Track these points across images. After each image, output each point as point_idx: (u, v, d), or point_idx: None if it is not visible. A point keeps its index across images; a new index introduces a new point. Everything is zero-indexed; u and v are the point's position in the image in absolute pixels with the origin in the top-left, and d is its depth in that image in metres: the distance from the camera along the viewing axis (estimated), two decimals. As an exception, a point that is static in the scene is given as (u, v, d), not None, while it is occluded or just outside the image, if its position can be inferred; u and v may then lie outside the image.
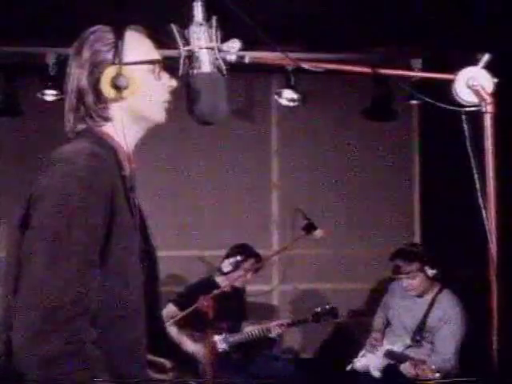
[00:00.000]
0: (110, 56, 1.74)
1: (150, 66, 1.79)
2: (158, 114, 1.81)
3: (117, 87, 1.72)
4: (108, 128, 1.77)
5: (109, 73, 1.72)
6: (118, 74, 1.72)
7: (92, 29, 1.79)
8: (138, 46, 1.79)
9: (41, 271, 1.52)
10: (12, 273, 1.62)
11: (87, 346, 1.53)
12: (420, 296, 4.40)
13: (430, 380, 3.91)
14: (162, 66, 1.82)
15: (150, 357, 1.84)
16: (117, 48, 1.74)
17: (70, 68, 1.77)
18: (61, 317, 1.50)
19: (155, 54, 1.82)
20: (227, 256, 4.90)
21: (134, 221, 1.74)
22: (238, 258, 4.84)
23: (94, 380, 1.53)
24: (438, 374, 3.92)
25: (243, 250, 4.89)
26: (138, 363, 1.73)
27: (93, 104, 1.75)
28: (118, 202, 1.66)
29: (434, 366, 3.98)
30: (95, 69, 1.74)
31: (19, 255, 1.59)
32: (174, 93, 1.83)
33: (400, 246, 4.55)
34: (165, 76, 1.81)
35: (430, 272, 4.28)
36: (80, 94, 1.75)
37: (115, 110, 1.76)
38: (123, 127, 1.75)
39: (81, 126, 1.77)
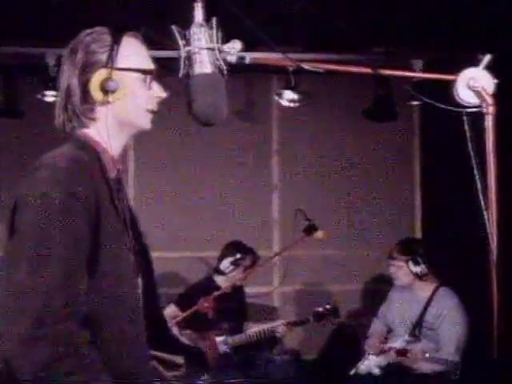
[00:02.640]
0: (103, 58, 1.73)
1: (142, 75, 1.77)
2: (143, 120, 1.80)
3: (105, 90, 1.71)
4: (93, 131, 1.76)
5: (99, 75, 1.71)
6: (108, 78, 1.71)
7: (89, 30, 1.77)
8: (133, 52, 1.78)
9: (24, 277, 1.51)
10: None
11: (82, 347, 1.53)
12: (405, 287, 4.52)
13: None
14: (155, 76, 1.80)
15: (161, 354, 1.85)
16: (112, 51, 1.73)
17: (63, 66, 1.77)
18: (48, 321, 1.50)
19: (150, 64, 1.80)
20: (224, 256, 4.88)
21: (123, 222, 1.74)
22: (238, 256, 4.82)
23: (92, 381, 1.53)
24: (427, 354, 4.12)
25: (239, 248, 4.88)
26: (140, 359, 1.74)
27: (79, 104, 1.74)
28: (103, 204, 1.66)
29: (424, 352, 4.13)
30: (87, 69, 1.73)
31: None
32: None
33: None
34: (156, 87, 1.80)
35: (414, 269, 4.43)
36: (68, 93, 1.75)
37: (101, 112, 1.75)
38: (107, 130, 1.74)
39: (68, 127, 1.76)
